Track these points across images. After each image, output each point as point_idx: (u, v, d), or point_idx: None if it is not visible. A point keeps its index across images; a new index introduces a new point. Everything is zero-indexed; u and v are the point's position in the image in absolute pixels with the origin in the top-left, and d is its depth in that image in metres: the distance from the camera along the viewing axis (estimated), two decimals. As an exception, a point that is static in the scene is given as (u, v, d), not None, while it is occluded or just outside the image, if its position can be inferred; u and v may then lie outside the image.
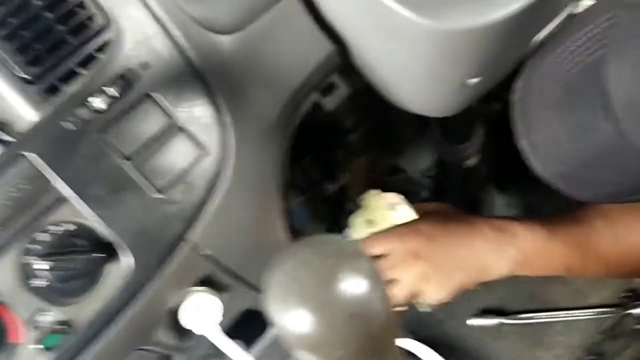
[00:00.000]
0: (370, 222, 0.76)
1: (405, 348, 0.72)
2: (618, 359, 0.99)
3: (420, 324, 1.13)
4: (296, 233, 0.77)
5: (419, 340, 1.11)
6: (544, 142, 0.53)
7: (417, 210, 0.74)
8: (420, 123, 1.30)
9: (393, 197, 0.75)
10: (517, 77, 0.56)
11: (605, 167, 0.51)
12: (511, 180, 1.21)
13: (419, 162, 1.30)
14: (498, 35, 0.51)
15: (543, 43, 0.56)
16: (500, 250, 0.67)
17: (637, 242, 0.67)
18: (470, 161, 1.02)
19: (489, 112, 1.14)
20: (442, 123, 0.96)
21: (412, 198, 1.22)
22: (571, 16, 0.58)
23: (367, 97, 0.76)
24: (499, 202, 1.25)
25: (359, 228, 0.76)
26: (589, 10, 0.52)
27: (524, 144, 0.55)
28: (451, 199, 1.19)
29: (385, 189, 1.10)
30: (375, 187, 0.82)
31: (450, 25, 0.49)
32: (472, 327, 1.10)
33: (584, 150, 0.50)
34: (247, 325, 0.95)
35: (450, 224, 0.69)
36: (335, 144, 0.96)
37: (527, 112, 0.54)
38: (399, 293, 0.68)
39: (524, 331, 1.07)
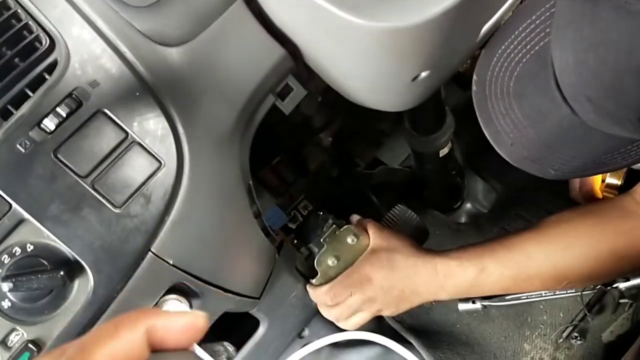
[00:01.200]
0: (336, 257, 0.82)
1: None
2: (603, 334, 1.00)
3: (408, 313, 1.14)
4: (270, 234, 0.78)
5: (408, 329, 1.12)
6: (505, 129, 0.56)
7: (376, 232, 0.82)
8: (397, 116, 1.31)
9: (352, 234, 0.82)
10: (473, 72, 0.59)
11: (565, 145, 0.53)
12: (487, 163, 1.22)
13: (398, 154, 1.32)
14: (438, 30, 0.52)
15: (491, 36, 0.58)
16: (439, 288, 0.80)
17: (570, 262, 0.75)
18: (444, 150, 1.03)
19: (458, 99, 1.15)
20: (410, 115, 0.97)
21: (393, 188, 1.23)
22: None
23: (336, 95, 0.77)
24: (479, 186, 1.26)
25: (325, 266, 0.82)
26: (530, 1, 0.54)
27: (486, 133, 0.58)
28: (432, 187, 1.20)
29: (364, 182, 1.12)
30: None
31: (388, 24, 0.50)
32: (459, 312, 1.11)
33: (544, 132, 0.53)
34: (238, 328, 0.97)
35: (396, 269, 0.79)
36: (306, 143, 0.97)
37: (485, 103, 0.57)
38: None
39: (509, 312, 1.07)
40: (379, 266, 0.79)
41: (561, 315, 1.04)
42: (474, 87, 0.59)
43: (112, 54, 0.56)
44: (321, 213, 0.87)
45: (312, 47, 0.60)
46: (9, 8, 0.55)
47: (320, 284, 0.82)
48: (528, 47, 0.52)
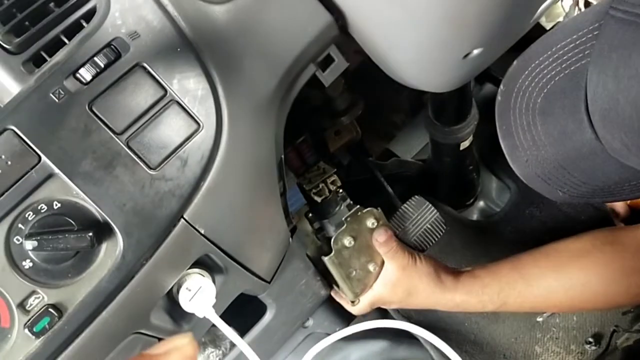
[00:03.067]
0: (353, 238, 0.83)
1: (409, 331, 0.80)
2: (619, 340, 0.98)
3: (416, 310, 1.12)
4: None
5: (414, 325, 1.10)
6: (523, 144, 0.55)
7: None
8: (410, 108, 1.29)
9: (373, 217, 0.84)
10: (502, 80, 0.58)
11: (580, 170, 0.53)
12: (502, 161, 1.20)
13: (411, 147, 1.29)
14: (502, 1, 0.50)
15: (526, 50, 0.57)
16: (439, 305, 0.87)
17: (587, 297, 0.79)
18: (465, 142, 1.00)
19: (482, 93, 1.13)
20: (435, 105, 0.94)
21: (405, 180, 1.21)
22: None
23: (357, 83, 0.74)
24: (493, 184, 1.24)
25: (341, 245, 0.82)
26: (574, 19, 0.53)
27: (503, 145, 0.58)
28: (446, 181, 1.18)
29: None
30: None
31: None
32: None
33: (562, 153, 0.53)
34: (242, 312, 0.94)
35: (415, 300, 0.86)
36: (327, 126, 0.94)
37: (507, 115, 0.56)
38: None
39: (520, 314, 1.05)
40: (397, 298, 0.86)
41: (574, 319, 1.02)
42: (498, 97, 0.58)
43: (154, 5, 0.53)
44: (340, 191, 0.86)
45: (365, 12, 0.57)
46: (46, -53, 0.51)
47: (333, 261, 0.83)
48: (564, 65, 0.51)
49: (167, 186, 0.52)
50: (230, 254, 0.61)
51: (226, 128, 0.55)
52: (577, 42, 0.50)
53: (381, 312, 1.10)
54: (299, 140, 0.83)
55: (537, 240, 0.86)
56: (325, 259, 0.82)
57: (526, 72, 0.54)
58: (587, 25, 0.50)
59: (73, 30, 0.51)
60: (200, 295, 0.59)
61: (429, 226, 0.88)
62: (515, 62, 0.57)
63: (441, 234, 0.90)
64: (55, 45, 0.50)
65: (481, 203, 1.24)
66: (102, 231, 0.50)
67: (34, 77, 0.49)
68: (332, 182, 0.86)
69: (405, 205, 0.89)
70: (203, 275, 0.61)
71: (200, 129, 0.53)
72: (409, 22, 0.53)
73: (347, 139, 0.96)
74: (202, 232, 0.55)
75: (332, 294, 0.91)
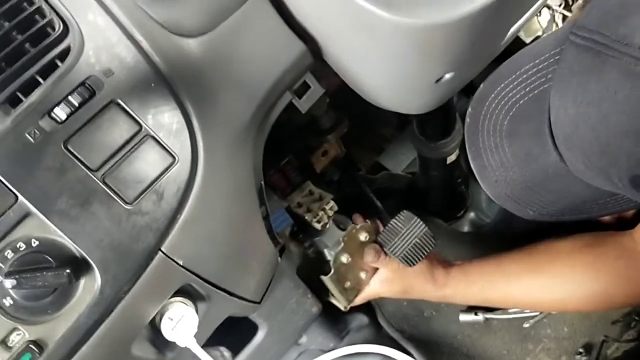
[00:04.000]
0: (350, 254, 0.86)
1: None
2: (609, 350, 0.99)
3: (408, 322, 1.12)
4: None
5: (408, 339, 1.10)
6: (491, 165, 0.56)
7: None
8: (399, 121, 1.30)
9: (365, 231, 0.87)
10: (469, 104, 0.60)
11: (547, 190, 0.55)
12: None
13: (401, 160, 1.30)
14: (470, 28, 0.50)
15: (494, 73, 0.58)
16: (430, 298, 0.92)
17: (566, 296, 0.81)
18: (452, 156, 1.01)
19: (463, 106, 1.14)
20: (420, 120, 0.95)
21: (395, 194, 1.22)
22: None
23: (345, 97, 0.75)
24: (483, 195, 1.24)
25: (339, 263, 0.86)
26: (538, 43, 0.55)
27: (472, 166, 0.59)
28: (436, 194, 1.18)
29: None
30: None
31: (422, 21, 0.48)
32: (460, 323, 1.09)
33: (529, 174, 0.54)
34: (234, 333, 0.94)
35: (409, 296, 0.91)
36: (313, 145, 0.94)
37: (476, 136, 0.57)
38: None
39: (512, 325, 1.06)
40: (392, 294, 0.91)
41: (565, 329, 1.02)
42: (467, 119, 0.59)
43: (128, 42, 0.54)
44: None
45: (336, 42, 0.58)
46: (21, -10, 0.52)
47: (332, 280, 0.86)
48: (527, 89, 0.52)
49: (143, 220, 0.53)
50: (211, 281, 0.62)
51: (202, 160, 0.56)
52: (540, 67, 0.51)
53: (372, 320, 1.11)
54: (284, 162, 0.84)
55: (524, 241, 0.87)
56: (325, 278, 0.85)
57: (492, 95, 0.55)
58: (549, 50, 0.51)
59: (48, 69, 0.52)
60: (182, 324, 0.59)
61: (418, 241, 0.88)
62: (482, 85, 0.58)
63: (431, 248, 0.90)
64: (30, 85, 0.51)
65: (472, 214, 1.25)
66: (80, 267, 0.51)
67: (10, 118, 0.50)
68: (331, 208, 0.88)
69: (393, 220, 0.90)
70: (186, 304, 0.62)
71: (176, 162, 0.54)
72: (377, 51, 0.54)
73: (332, 157, 0.98)
74: (181, 263, 0.56)
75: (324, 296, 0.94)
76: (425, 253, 0.88)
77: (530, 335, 1.04)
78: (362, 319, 1.13)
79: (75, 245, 0.50)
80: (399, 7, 0.47)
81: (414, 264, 0.87)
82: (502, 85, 0.55)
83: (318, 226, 0.87)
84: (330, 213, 0.88)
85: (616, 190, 0.50)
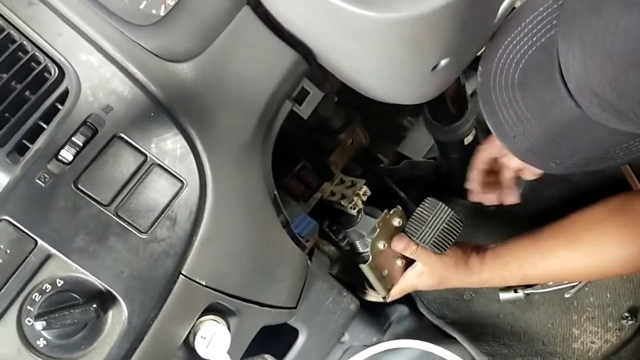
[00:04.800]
0: (386, 240, 0.86)
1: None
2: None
3: (448, 307, 1.11)
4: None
5: (450, 324, 1.09)
6: (507, 121, 0.56)
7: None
8: (413, 108, 1.29)
9: (398, 216, 0.88)
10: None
11: (567, 139, 0.54)
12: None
13: (421, 146, 1.29)
14: (455, 15, 0.50)
15: (498, 28, 0.58)
16: (468, 285, 0.91)
17: (605, 262, 0.80)
18: (469, 137, 1.00)
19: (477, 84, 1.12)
20: (430, 106, 0.94)
21: (420, 181, 1.21)
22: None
23: (354, 93, 0.75)
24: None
25: (377, 251, 0.86)
26: None
27: (489, 124, 0.58)
28: (459, 176, 1.17)
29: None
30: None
31: (402, 14, 0.48)
32: (501, 302, 1.08)
33: (546, 124, 0.53)
34: (276, 340, 0.95)
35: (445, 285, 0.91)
36: (327, 145, 0.94)
37: (489, 94, 0.57)
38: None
39: (554, 298, 1.04)
40: (429, 286, 0.91)
41: (608, 295, 1.00)
42: (478, 79, 0.59)
43: (123, 76, 0.55)
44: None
45: (326, 46, 0.58)
46: (14, 41, 0.54)
47: (371, 267, 0.85)
48: (534, 39, 0.52)
49: (160, 247, 0.54)
50: (238, 296, 0.63)
51: (210, 180, 0.57)
52: (544, 14, 0.51)
53: (412, 309, 1.11)
54: (298, 167, 0.84)
55: (557, 217, 0.86)
56: (363, 266, 0.86)
57: (500, 51, 0.55)
58: None
59: (49, 114, 0.53)
60: (215, 341, 0.60)
61: (446, 225, 0.88)
62: (488, 43, 0.58)
63: (459, 230, 0.89)
64: (35, 132, 0.53)
65: (498, 191, 1.23)
66: (106, 300, 0.52)
67: (20, 166, 0.51)
68: (364, 193, 0.88)
69: (419, 208, 0.89)
70: (217, 321, 0.63)
71: (185, 186, 0.55)
72: (366, 50, 0.54)
73: (357, 145, 0.97)
74: (204, 283, 0.57)
75: (361, 294, 0.94)
76: (455, 236, 0.87)
77: (573, 306, 1.03)
78: (402, 309, 1.13)
79: (98, 280, 0.52)
80: (377, 3, 0.47)
81: (445, 249, 0.87)
82: (509, 39, 0.54)
83: (354, 212, 0.87)
84: (364, 198, 0.88)
85: (636, 130, 0.48)
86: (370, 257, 0.85)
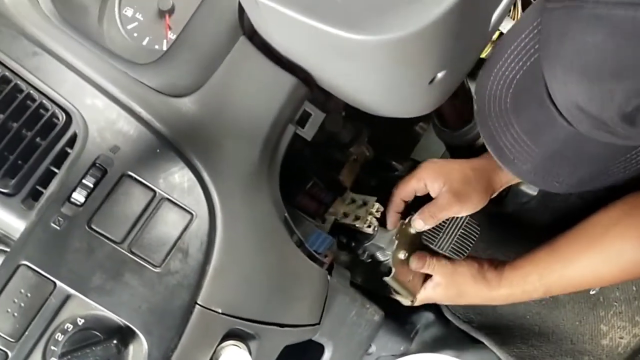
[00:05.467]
0: (406, 250, 0.86)
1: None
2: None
3: (474, 311, 1.11)
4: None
5: (477, 328, 1.09)
6: (506, 144, 0.57)
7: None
8: (424, 115, 1.29)
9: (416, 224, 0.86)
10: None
11: (565, 157, 0.55)
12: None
13: (434, 151, 1.28)
14: (446, 30, 0.50)
15: (487, 60, 0.60)
16: (488, 301, 0.89)
17: (627, 265, 0.78)
18: (479, 140, 1.00)
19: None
20: (438, 112, 0.94)
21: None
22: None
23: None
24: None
25: (398, 262, 0.86)
26: (520, 20, 0.56)
27: (490, 149, 0.60)
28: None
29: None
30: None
31: (392, 35, 0.48)
32: (527, 303, 1.07)
33: (542, 145, 0.55)
34: (303, 357, 0.96)
35: (464, 298, 0.90)
36: (338, 160, 0.95)
37: (486, 120, 0.58)
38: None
39: (580, 295, 1.03)
40: (447, 299, 0.91)
41: (634, 289, 0.99)
42: (474, 106, 0.61)
43: (128, 116, 0.56)
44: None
45: (322, 70, 0.59)
46: (21, 90, 0.56)
47: (396, 279, 0.86)
48: (520, 63, 0.54)
49: (174, 279, 0.55)
50: (257, 319, 0.64)
51: (219, 210, 0.58)
52: (527, 40, 0.53)
53: (438, 316, 1.11)
54: (309, 186, 0.85)
55: (576, 219, 0.85)
56: (388, 279, 0.86)
57: (491, 78, 0.57)
58: (531, 22, 0.53)
59: (60, 158, 0.55)
60: (236, 366, 0.61)
61: (462, 231, 0.88)
62: (480, 71, 0.59)
63: (477, 235, 0.90)
64: (47, 177, 0.55)
65: (514, 193, 1.22)
66: (126, 335, 0.54)
67: (34, 212, 0.53)
68: (377, 210, 0.87)
69: None
70: (238, 346, 0.64)
71: (194, 217, 0.56)
72: (361, 71, 0.55)
73: (363, 160, 0.98)
74: (220, 311, 0.58)
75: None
76: (473, 241, 0.87)
77: (599, 302, 1.01)
78: (428, 316, 1.13)
79: (117, 316, 0.54)
80: (366, 26, 0.48)
81: (464, 255, 0.87)
82: (498, 66, 0.56)
83: (370, 230, 0.87)
84: (378, 215, 0.88)
85: (626, 141, 0.49)
86: (393, 270, 0.85)
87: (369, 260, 0.92)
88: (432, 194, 0.84)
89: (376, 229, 0.88)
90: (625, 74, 0.43)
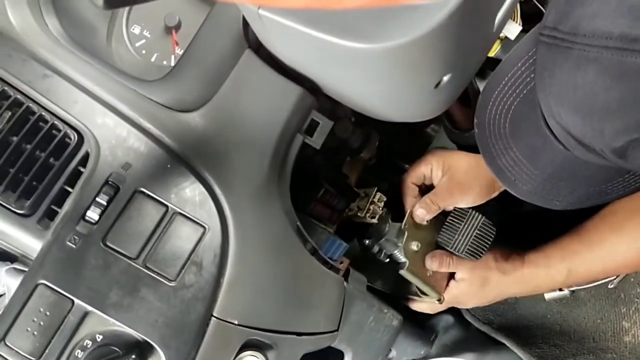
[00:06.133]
0: (418, 241, 0.85)
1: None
2: None
3: (494, 312, 1.10)
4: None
5: (497, 329, 1.08)
6: (506, 166, 0.59)
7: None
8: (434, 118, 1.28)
9: (418, 213, 0.86)
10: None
11: (563, 179, 0.56)
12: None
13: (446, 152, 1.28)
14: (449, 34, 0.50)
15: (486, 84, 0.62)
16: (510, 286, 0.89)
17: (608, 253, 0.81)
18: (491, 141, 0.99)
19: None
20: (447, 113, 0.94)
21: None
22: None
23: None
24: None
25: (411, 253, 0.85)
26: (516, 49, 0.58)
27: (490, 170, 0.62)
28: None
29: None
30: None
31: (395, 42, 0.48)
32: (547, 302, 1.06)
33: (541, 167, 0.56)
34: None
35: (487, 290, 0.90)
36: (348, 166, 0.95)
37: (487, 143, 0.60)
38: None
39: (600, 292, 1.01)
40: (471, 294, 0.90)
41: (656, 284, 0.98)
42: (475, 130, 0.63)
43: (138, 133, 0.57)
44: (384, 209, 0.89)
45: (328, 80, 0.60)
46: (33, 113, 0.57)
47: (411, 271, 0.85)
48: (517, 91, 0.56)
49: (189, 292, 0.56)
50: (273, 329, 0.64)
51: (231, 222, 0.58)
52: (523, 69, 0.55)
53: (457, 318, 1.10)
54: (321, 193, 0.85)
55: (597, 209, 0.85)
56: (402, 272, 0.85)
57: (490, 104, 0.59)
58: (527, 52, 0.54)
59: (73, 177, 0.56)
60: (254, 377, 0.62)
61: (478, 232, 0.87)
62: (479, 97, 0.61)
63: (492, 235, 0.89)
64: (61, 196, 0.56)
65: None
66: (144, 350, 0.55)
67: (50, 231, 0.54)
68: (379, 199, 0.87)
69: (449, 218, 0.89)
70: (256, 357, 0.64)
71: (207, 231, 0.57)
72: (369, 79, 0.55)
73: (365, 160, 0.98)
74: (236, 322, 0.58)
75: (412, 305, 0.94)
76: (489, 241, 0.87)
77: (620, 298, 1.00)
78: (447, 319, 1.12)
79: (134, 331, 0.54)
80: (368, 34, 0.48)
81: (481, 256, 0.86)
82: (496, 92, 0.58)
83: (374, 220, 0.87)
84: (381, 204, 0.87)
85: (622, 165, 0.50)
86: (407, 262, 0.84)
87: (387, 260, 0.91)
88: (435, 182, 0.85)
89: (388, 222, 0.88)
90: (614, 113, 0.44)
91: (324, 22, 0.49)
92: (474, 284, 0.88)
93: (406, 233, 0.85)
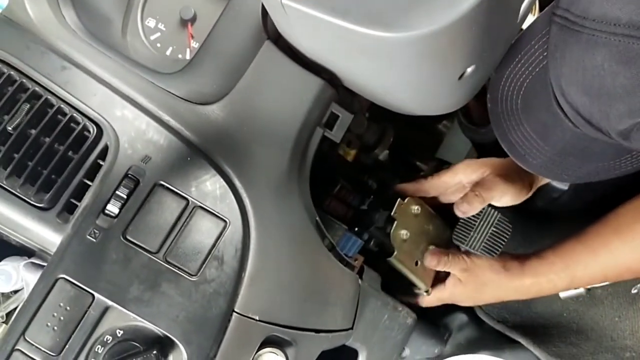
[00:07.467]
0: (407, 229, 0.84)
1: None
2: None
3: (508, 310, 1.09)
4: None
5: (512, 328, 1.07)
6: (517, 142, 0.61)
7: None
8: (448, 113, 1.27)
9: (414, 203, 0.87)
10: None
11: (572, 154, 0.58)
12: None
13: (460, 150, 1.27)
14: (474, 23, 0.49)
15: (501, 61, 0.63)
16: (510, 293, 0.88)
17: (611, 258, 0.79)
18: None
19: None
20: (463, 109, 0.93)
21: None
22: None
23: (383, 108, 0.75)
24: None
25: (400, 241, 0.84)
26: (531, 27, 0.59)
27: (503, 145, 0.63)
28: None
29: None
30: None
31: (420, 31, 0.47)
32: (563, 300, 1.05)
33: (551, 143, 0.58)
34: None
35: (485, 292, 0.89)
36: (364, 163, 0.94)
37: (499, 119, 0.62)
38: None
39: (617, 290, 1.00)
40: (467, 295, 0.89)
41: (674, 280, 0.97)
42: (488, 105, 0.64)
43: (157, 125, 0.56)
44: (372, 197, 0.89)
45: (350, 70, 0.59)
46: (52, 105, 0.56)
47: (398, 259, 0.84)
48: (530, 68, 0.57)
49: (211, 287, 0.55)
50: (294, 326, 0.63)
51: (252, 216, 0.57)
52: (536, 47, 0.56)
53: (471, 317, 1.09)
54: (337, 189, 0.84)
55: (611, 208, 0.84)
56: (390, 259, 0.84)
57: (503, 80, 0.60)
58: (540, 30, 0.56)
59: (93, 171, 0.55)
60: (274, 373, 0.61)
61: (494, 229, 0.86)
62: (493, 73, 0.62)
63: (509, 232, 0.88)
64: (81, 190, 0.55)
65: (545, 188, 1.20)
66: (165, 345, 0.54)
67: (70, 225, 0.53)
68: (375, 180, 0.89)
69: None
70: (275, 353, 0.63)
71: (228, 225, 0.56)
72: (392, 69, 0.54)
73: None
74: (257, 318, 0.58)
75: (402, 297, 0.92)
76: (505, 239, 0.86)
77: (638, 296, 0.99)
78: (461, 317, 1.11)
79: (155, 327, 0.53)
80: (393, 23, 0.47)
81: (496, 253, 0.85)
82: (509, 68, 0.59)
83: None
84: (375, 185, 0.89)
85: (628, 146, 0.52)
86: (395, 250, 0.83)
87: (377, 249, 0.90)
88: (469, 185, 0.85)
89: (376, 210, 0.86)
90: (619, 97, 0.46)
91: (349, 11, 0.48)
92: (469, 286, 0.87)
93: (396, 221, 0.84)
